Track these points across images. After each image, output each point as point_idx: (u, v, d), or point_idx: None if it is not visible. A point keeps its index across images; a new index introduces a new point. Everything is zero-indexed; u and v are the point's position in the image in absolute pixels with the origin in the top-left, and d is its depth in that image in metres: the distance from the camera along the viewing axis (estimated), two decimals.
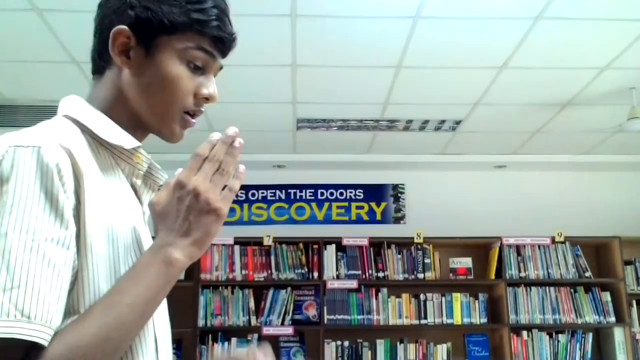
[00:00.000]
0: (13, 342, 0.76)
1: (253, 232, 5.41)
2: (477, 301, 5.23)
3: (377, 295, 5.20)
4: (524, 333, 5.16)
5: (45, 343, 0.79)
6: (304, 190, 5.82)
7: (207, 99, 1.06)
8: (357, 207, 5.81)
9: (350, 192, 5.84)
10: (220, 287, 5.15)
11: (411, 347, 5.12)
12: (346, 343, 5.11)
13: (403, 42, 3.68)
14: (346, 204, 5.81)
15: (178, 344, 4.95)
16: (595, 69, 4.06)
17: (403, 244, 5.36)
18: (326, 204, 5.80)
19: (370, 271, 5.23)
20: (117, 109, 1.03)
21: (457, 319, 5.18)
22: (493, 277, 5.28)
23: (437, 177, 5.84)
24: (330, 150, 5.56)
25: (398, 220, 5.80)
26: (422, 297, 5.21)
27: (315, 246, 5.24)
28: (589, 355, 5.16)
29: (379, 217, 5.80)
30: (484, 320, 5.20)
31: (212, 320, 5.06)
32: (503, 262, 5.24)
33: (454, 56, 3.85)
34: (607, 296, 5.27)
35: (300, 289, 5.22)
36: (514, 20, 3.47)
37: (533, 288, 5.25)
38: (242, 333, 5.10)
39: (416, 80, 4.17)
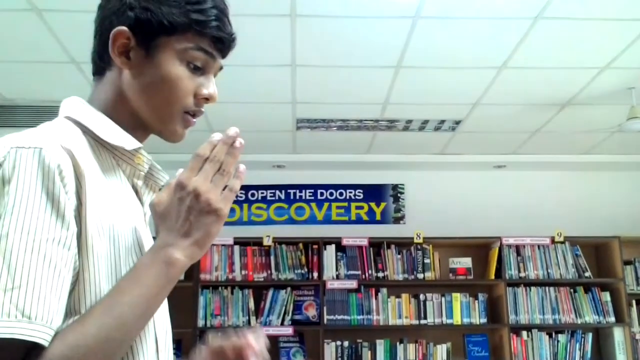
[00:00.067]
0: (13, 342, 0.77)
1: (253, 232, 5.42)
2: (476, 301, 5.23)
3: (376, 295, 5.20)
4: (524, 333, 5.16)
5: (45, 343, 0.79)
6: (303, 191, 5.82)
7: (207, 99, 1.06)
8: (357, 207, 5.81)
9: (350, 192, 5.84)
10: (220, 288, 5.15)
11: (411, 347, 5.13)
12: (346, 343, 5.11)
13: (403, 42, 3.68)
14: (346, 204, 5.81)
15: (178, 344, 4.94)
16: (594, 69, 4.06)
17: (403, 244, 5.36)
18: (326, 204, 5.80)
19: (370, 271, 5.23)
20: (118, 109, 1.04)
21: (457, 319, 5.19)
22: (493, 277, 5.28)
23: (436, 177, 5.84)
24: (330, 151, 5.56)
25: (398, 220, 5.80)
26: (421, 297, 5.21)
27: (315, 246, 5.24)
28: (589, 355, 5.16)
29: (378, 217, 5.80)
30: (483, 320, 5.20)
31: (212, 320, 5.06)
32: (503, 262, 5.24)
33: (454, 56, 3.86)
34: (606, 296, 5.28)
35: (300, 289, 5.22)
36: (513, 20, 3.47)
37: (533, 288, 5.25)
38: None
39: (416, 80, 4.18)
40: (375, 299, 5.19)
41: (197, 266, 5.06)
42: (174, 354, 1.10)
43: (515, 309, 5.18)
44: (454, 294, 5.23)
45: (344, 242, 5.24)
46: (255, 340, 1.06)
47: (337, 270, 5.22)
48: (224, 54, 1.07)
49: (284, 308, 5.14)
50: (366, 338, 5.17)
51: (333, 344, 5.09)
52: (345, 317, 5.12)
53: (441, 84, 4.24)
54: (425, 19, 3.44)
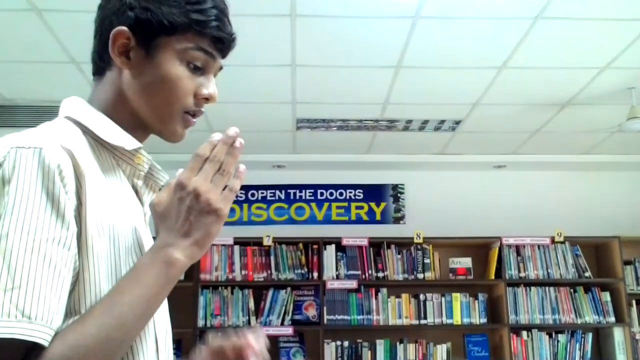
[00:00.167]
0: (13, 342, 0.77)
1: (253, 232, 5.42)
2: (476, 301, 5.23)
3: (376, 295, 5.20)
4: (524, 333, 5.16)
5: (45, 343, 0.79)
6: (303, 191, 5.82)
7: (207, 99, 1.06)
8: (357, 207, 5.81)
9: (350, 192, 5.84)
10: (219, 288, 5.15)
11: (411, 347, 5.13)
12: (346, 343, 5.11)
13: (403, 42, 3.68)
14: (346, 204, 5.81)
15: (178, 344, 4.94)
16: (594, 69, 4.06)
17: (403, 244, 5.36)
18: (326, 204, 5.80)
19: (370, 271, 5.23)
20: (118, 109, 1.04)
21: (457, 319, 5.19)
22: (493, 277, 5.28)
23: (436, 177, 5.84)
24: (330, 151, 5.56)
25: (398, 220, 5.80)
26: (421, 297, 5.21)
27: (315, 246, 5.24)
28: (589, 355, 5.16)
29: (378, 217, 5.80)
30: (483, 320, 5.20)
31: (212, 320, 5.06)
32: (503, 262, 5.24)
33: (454, 56, 3.86)
34: (606, 296, 5.28)
35: (299, 289, 5.22)
36: (513, 20, 3.47)
37: (533, 288, 5.25)
38: None
39: (416, 80, 4.18)
40: (375, 299, 5.19)
41: (197, 266, 5.06)
42: (174, 354, 1.10)
43: (515, 309, 5.18)
44: (454, 294, 5.23)
45: (344, 242, 5.24)
46: (255, 340, 1.06)
47: (337, 270, 5.22)
48: (224, 54, 1.07)
49: (284, 308, 5.14)
50: (366, 338, 5.17)
51: (333, 344, 5.09)
52: (345, 317, 5.12)
53: (441, 84, 4.24)
54: (425, 19, 3.44)
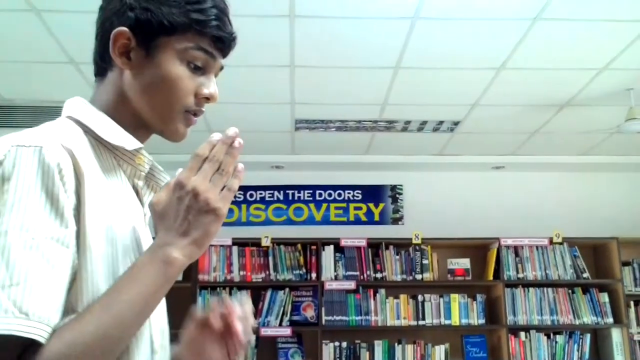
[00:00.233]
0: (11, 339, 0.77)
1: (251, 233, 5.42)
2: (475, 302, 5.23)
3: (375, 296, 5.20)
4: (522, 334, 5.17)
5: (42, 340, 0.79)
6: (302, 191, 5.82)
7: (208, 98, 1.06)
8: (355, 208, 5.81)
9: (349, 193, 5.84)
10: (218, 288, 5.15)
11: (409, 348, 5.13)
12: (344, 344, 5.11)
13: (402, 42, 3.68)
14: (344, 204, 5.81)
15: None
16: (593, 70, 4.06)
17: (401, 245, 5.36)
18: (324, 205, 5.80)
19: (368, 272, 5.23)
20: (120, 110, 1.04)
21: (455, 320, 5.19)
22: (491, 278, 5.28)
23: (435, 178, 5.85)
24: (329, 151, 5.56)
25: (396, 221, 5.80)
26: (420, 298, 5.21)
27: (314, 247, 5.24)
28: (587, 356, 5.16)
29: (377, 218, 5.81)
30: (481, 321, 5.21)
31: None
32: (501, 263, 5.24)
33: (452, 57, 3.86)
34: (604, 297, 5.28)
35: (298, 289, 5.22)
36: (512, 21, 3.47)
37: (531, 289, 5.25)
38: None
39: (414, 81, 4.18)
40: (374, 299, 5.19)
41: (196, 267, 5.06)
42: None
43: (513, 310, 5.18)
44: (452, 295, 5.23)
45: (343, 242, 5.24)
46: (240, 306, 1.09)
47: (335, 271, 5.22)
48: (224, 54, 1.08)
49: (282, 309, 5.14)
50: (364, 339, 5.17)
51: (331, 344, 5.09)
52: (344, 317, 5.12)
53: (440, 84, 4.24)
54: (424, 20, 3.44)
